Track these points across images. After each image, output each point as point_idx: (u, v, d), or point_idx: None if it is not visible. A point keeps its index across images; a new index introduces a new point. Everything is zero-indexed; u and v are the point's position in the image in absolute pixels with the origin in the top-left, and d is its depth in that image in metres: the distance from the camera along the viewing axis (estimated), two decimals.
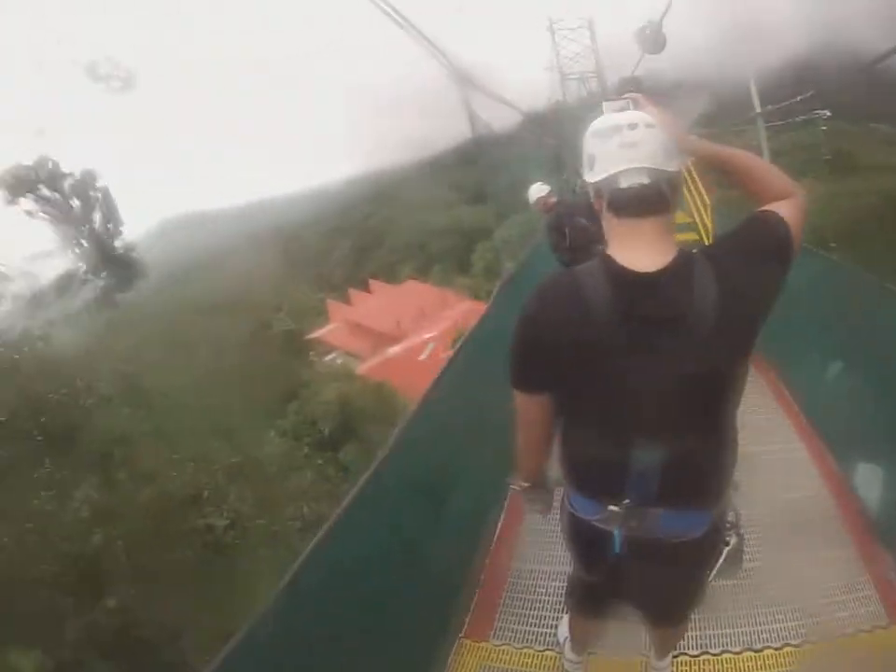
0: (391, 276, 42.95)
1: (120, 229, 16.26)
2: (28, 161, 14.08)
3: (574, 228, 7.89)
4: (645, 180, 1.97)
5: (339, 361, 33.05)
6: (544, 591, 4.63)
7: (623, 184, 1.99)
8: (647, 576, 2.43)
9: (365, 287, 42.82)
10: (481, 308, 29.08)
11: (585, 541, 2.52)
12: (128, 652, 11.27)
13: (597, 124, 2.08)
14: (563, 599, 3.98)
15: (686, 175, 12.56)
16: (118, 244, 16.06)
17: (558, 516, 2.67)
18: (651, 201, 2.00)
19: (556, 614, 4.30)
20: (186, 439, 20.49)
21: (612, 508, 2.22)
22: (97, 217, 14.83)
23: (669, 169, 2.00)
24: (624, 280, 2.00)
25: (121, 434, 17.64)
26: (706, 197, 11.26)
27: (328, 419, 21.53)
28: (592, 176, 2.07)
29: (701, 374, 2.01)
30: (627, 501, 2.18)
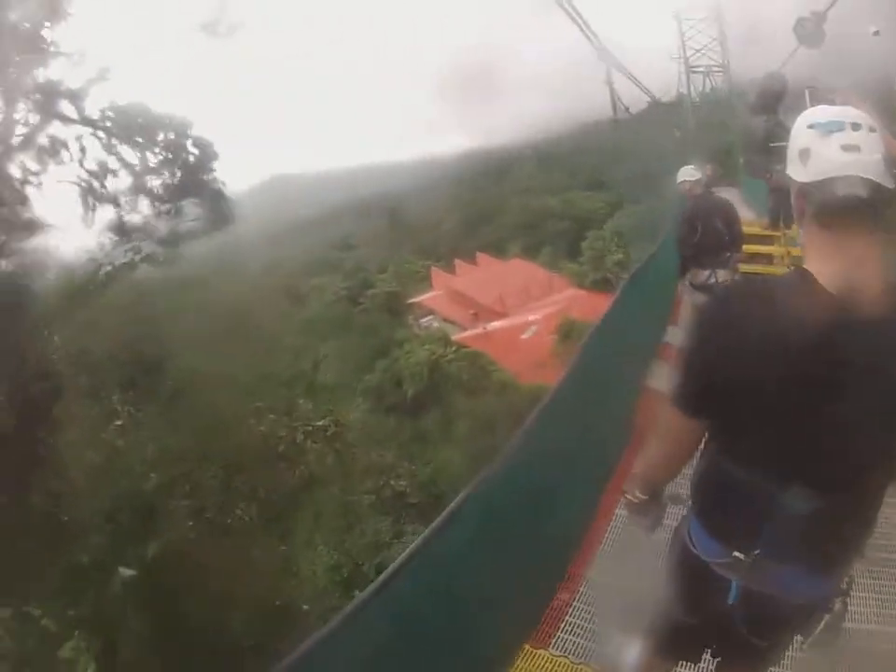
0: (498, 253, 42.78)
1: (215, 175, 16.16)
2: (127, 103, 14.15)
3: (707, 228, 7.75)
4: (863, 192, 1.74)
5: (435, 325, 33.05)
6: (613, 607, 4.44)
7: (840, 192, 1.75)
8: (748, 630, 2.22)
9: (471, 260, 42.64)
10: (585, 297, 28.71)
11: (694, 582, 2.31)
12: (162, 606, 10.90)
13: (816, 115, 1.87)
14: (629, 619, 3.61)
15: None
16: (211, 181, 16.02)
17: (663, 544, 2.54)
18: (866, 216, 1.79)
19: (619, 633, 3.89)
20: (273, 388, 20.76)
21: (738, 555, 2.06)
22: (191, 157, 14.89)
23: (888, 185, 1.78)
24: (828, 306, 1.76)
25: (206, 374, 17.69)
26: None
27: (414, 380, 21.54)
28: (803, 175, 1.84)
29: (888, 427, 1.81)
30: (758, 552, 2.02)
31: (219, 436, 14.96)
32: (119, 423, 13.96)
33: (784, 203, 11.95)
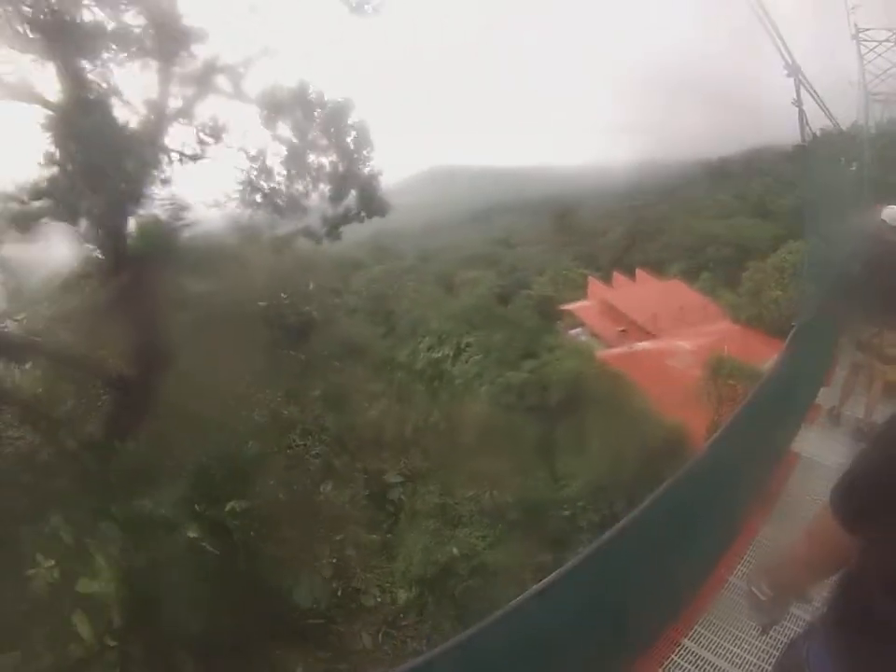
0: (658, 271, 42.41)
1: (371, 164, 16.57)
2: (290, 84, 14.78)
3: (888, 282, 7.05)
4: None
5: (583, 338, 33.41)
6: None
7: None
8: None
9: (630, 274, 42.48)
10: (739, 333, 28.15)
11: None
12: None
13: None
14: None
15: None
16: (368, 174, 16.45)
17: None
18: None
19: None
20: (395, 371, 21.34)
21: None
22: (349, 146, 15.35)
23: None
24: None
25: (355, 345, 18.49)
26: None
27: (560, 387, 21.82)
28: None
29: None
30: None
31: (335, 411, 15.47)
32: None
33: None
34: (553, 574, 3.33)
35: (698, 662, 4.51)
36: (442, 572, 12.54)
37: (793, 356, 7.23)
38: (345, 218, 16.72)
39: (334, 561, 11.36)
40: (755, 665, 4.47)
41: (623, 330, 33.46)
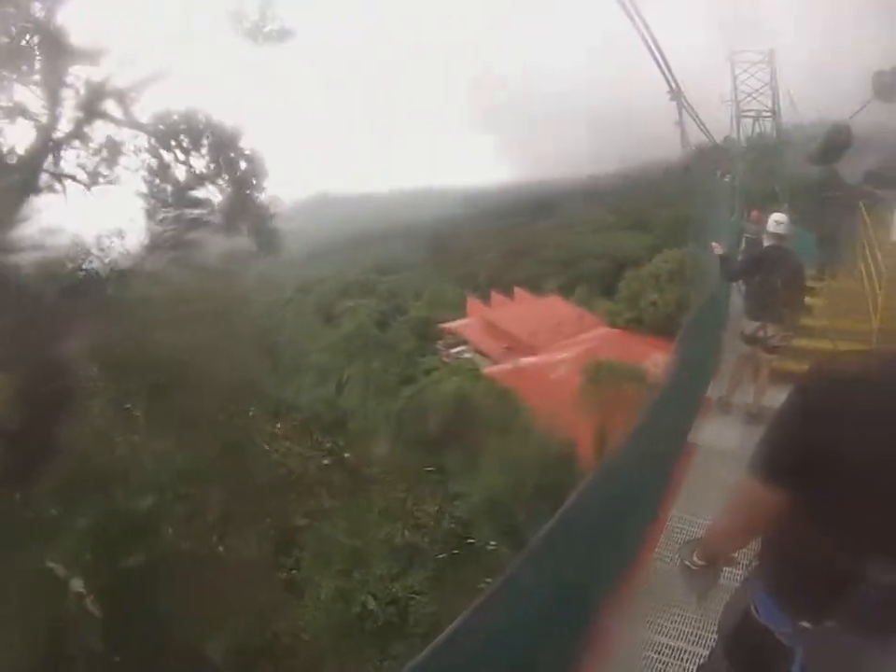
0: (535, 288, 42.79)
1: (264, 194, 16.19)
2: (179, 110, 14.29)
3: (765, 281, 8.09)
4: None
5: (466, 356, 32.98)
6: (646, 662, 4.67)
7: None
8: None
9: (508, 293, 42.60)
10: (616, 336, 28.54)
11: (754, 647, 2.35)
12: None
13: None
14: None
15: (862, 234, 11.78)
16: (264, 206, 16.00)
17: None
18: None
19: None
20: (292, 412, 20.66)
21: (805, 625, 2.14)
22: (239, 174, 14.86)
23: None
24: None
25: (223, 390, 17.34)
26: (882, 265, 10.39)
27: (439, 411, 21.25)
28: None
29: None
30: (831, 623, 2.07)
31: (229, 458, 14.57)
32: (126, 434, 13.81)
33: (832, 255, 11.97)
34: (488, 593, 3.22)
35: (640, 642, 4.79)
36: (358, 619, 12.43)
37: (685, 352, 7.50)
38: (236, 255, 16.14)
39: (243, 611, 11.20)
40: (686, 632, 4.86)
41: (507, 347, 32.93)
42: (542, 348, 31.63)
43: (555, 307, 38.28)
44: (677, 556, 2.73)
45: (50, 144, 13.52)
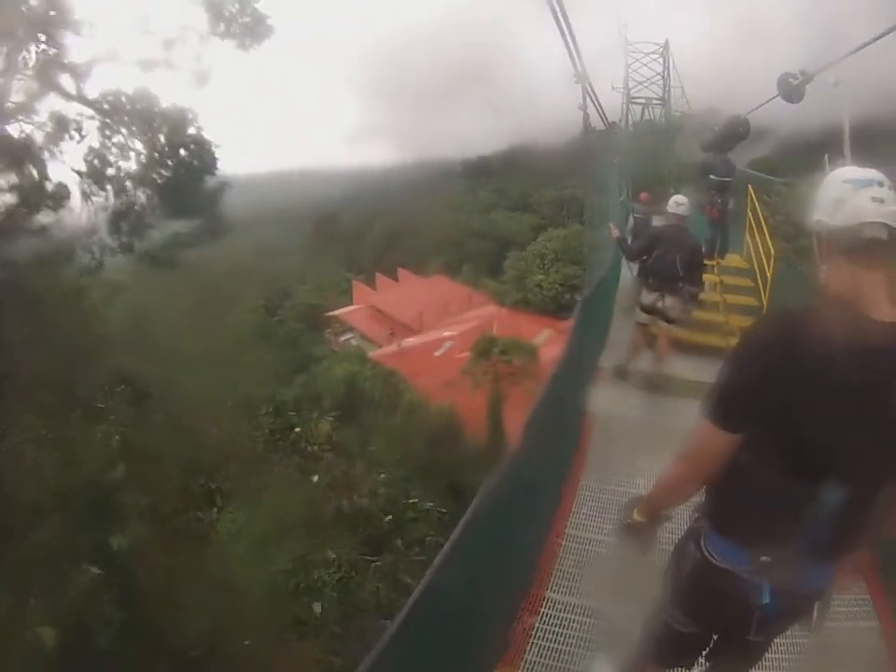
0: (420, 268, 42.87)
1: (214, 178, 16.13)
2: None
3: (662, 256, 8.29)
4: (884, 235, 2.06)
5: (354, 343, 32.88)
6: (576, 626, 4.60)
7: (866, 234, 2.07)
8: (762, 629, 2.42)
9: (393, 274, 42.42)
10: (506, 315, 28.71)
11: (714, 592, 2.45)
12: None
13: (852, 173, 2.21)
14: (597, 637, 4.21)
15: (751, 216, 12.20)
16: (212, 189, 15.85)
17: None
18: (887, 254, 2.10)
19: (585, 651, 4.26)
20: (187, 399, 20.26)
21: (765, 559, 2.25)
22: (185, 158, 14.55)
23: None
24: (864, 326, 2.03)
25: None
26: (770, 245, 10.81)
27: (332, 397, 21.30)
28: (834, 220, 2.16)
29: None
30: (791, 551, 2.20)
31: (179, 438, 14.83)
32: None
33: (722, 234, 12.39)
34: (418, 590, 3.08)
35: (567, 607, 4.77)
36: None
37: (582, 328, 7.60)
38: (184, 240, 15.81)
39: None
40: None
41: (391, 332, 32.93)
42: (429, 328, 31.78)
43: (441, 287, 38.56)
44: (619, 514, 2.81)
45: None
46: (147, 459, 13.40)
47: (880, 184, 2.12)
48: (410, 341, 29.70)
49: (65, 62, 13.76)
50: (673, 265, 8.25)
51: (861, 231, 2.07)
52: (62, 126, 14.05)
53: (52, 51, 13.59)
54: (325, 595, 12.45)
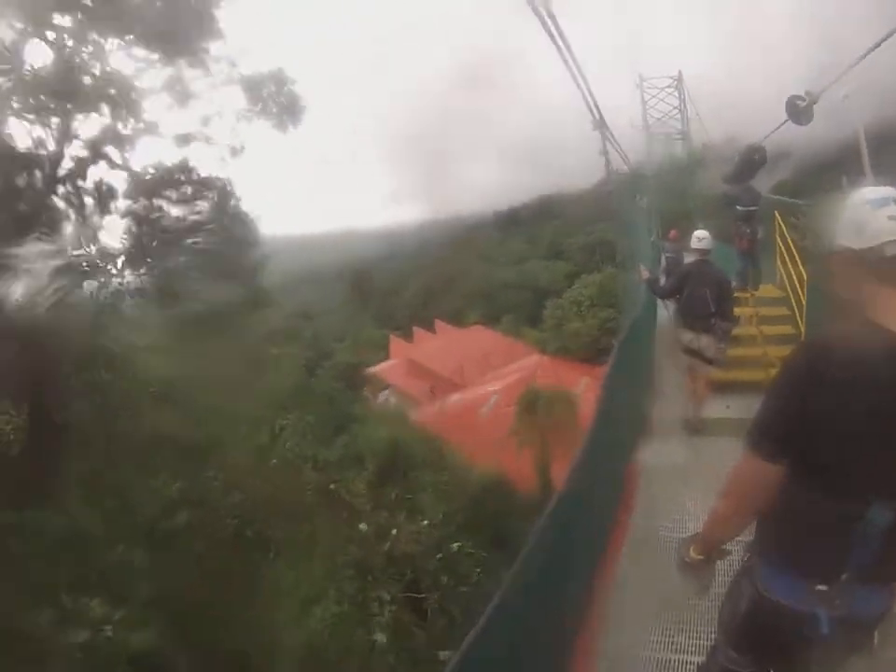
0: (458, 321, 42.77)
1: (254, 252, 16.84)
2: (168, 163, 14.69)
3: (693, 294, 8.28)
4: None
5: (392, 400, 32.64)
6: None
7: (888, 253, 2.08)
8: (822, 662, 2.39)
9: (430, 328, 42.28)
10: (549, 364, 28.38)
11: (772, 629, 2.43)
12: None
13: (869, 194, 2.17)
14: None
15: (780, 243, 11.97)
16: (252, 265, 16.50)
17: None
18: None
19: None
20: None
21: (822, 587, 2.21)
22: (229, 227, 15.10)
23: None
24: None
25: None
26: (802, 270, 10.57)
27: (375, 458, 21.12)
28: (859, 242, 2.14)
29: None
30: (845, 576, 2.17)
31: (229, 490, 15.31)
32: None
33: (753, 265, 12.17)
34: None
35: (618, 652, 4.69)
36: None
37: (618, 370, 7.30)
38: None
39: None
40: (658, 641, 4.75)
41: (431, 388, 32.59)
42: (470, 381, 31.40)
43: (480, 337, 38.15)
44: (674, 555, 2.78)
45: (51, 180, 13.80)
46: (204, 509, 14.15)
47: None
48: (453, 398, 29.27)
49: (114, 134, 14.38)
50: (704, 301, 8.21)
51: (883, 250, 2.07)
52: (108, 193, 14.55)
53: (105, 123, 14.27)
54: (381, 628, 12.66)
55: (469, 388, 30.57)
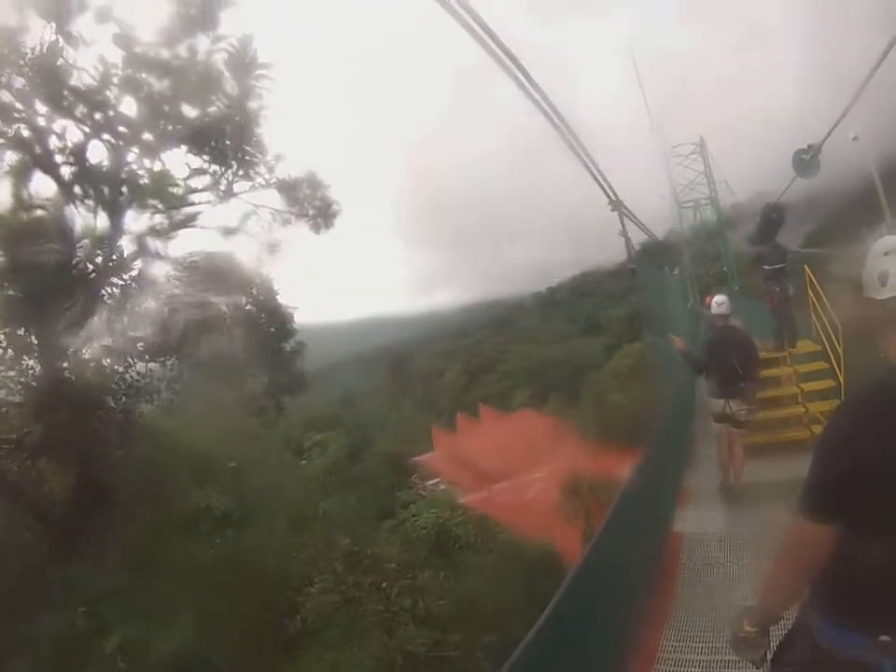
0: (503, 402, 42.56)
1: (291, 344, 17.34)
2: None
3: (721, 361, 8.33)
4: None
5: (441, 487, 32.53)
6: None
7: None
8: None
9: (474, 412, 42.08)
10: (588, 447, 28.22)
11: None
12: None
13: (887, 244, 2.25)
14: None
15: (812, 295, 11.83)
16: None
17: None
18: None
19: None
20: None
21: (885, 638, 2.16)
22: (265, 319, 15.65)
23: None
24: None
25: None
26: (835, 319, 10.44)
27: (422, 542, 21.02)
28: (885, 293, 2.21)
29: None
30: None
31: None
32: None
33: (788, 323, 12.06)
34: None
35: None
36: None
37: (657, 446, 7.69)
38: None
39: None
40: None
41: (478, 476, 32.40)
42: (516, 470, 31.18)
43: (526, 422, 37.35)
44: (729, 628, 2.76)
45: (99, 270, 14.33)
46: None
47: None
48: (500, 486, 29.04)
49: (158, 228, 14.95)
50: (731, 366, 8.24)
51: None
52: (149, 283, 15.06)
53: (153, 219, 14.86)
54: None
55: (516, 476, 30.34)
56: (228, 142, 15.37)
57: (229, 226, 16.00)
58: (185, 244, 15.94)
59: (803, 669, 2.46)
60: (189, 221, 15.58)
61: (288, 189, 16.78)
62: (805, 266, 12.45)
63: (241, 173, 15.79)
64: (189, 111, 15.10)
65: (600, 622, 4.90)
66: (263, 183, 16.29)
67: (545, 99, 6.09)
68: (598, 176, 8.80)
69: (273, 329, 17.06)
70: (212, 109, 15.24)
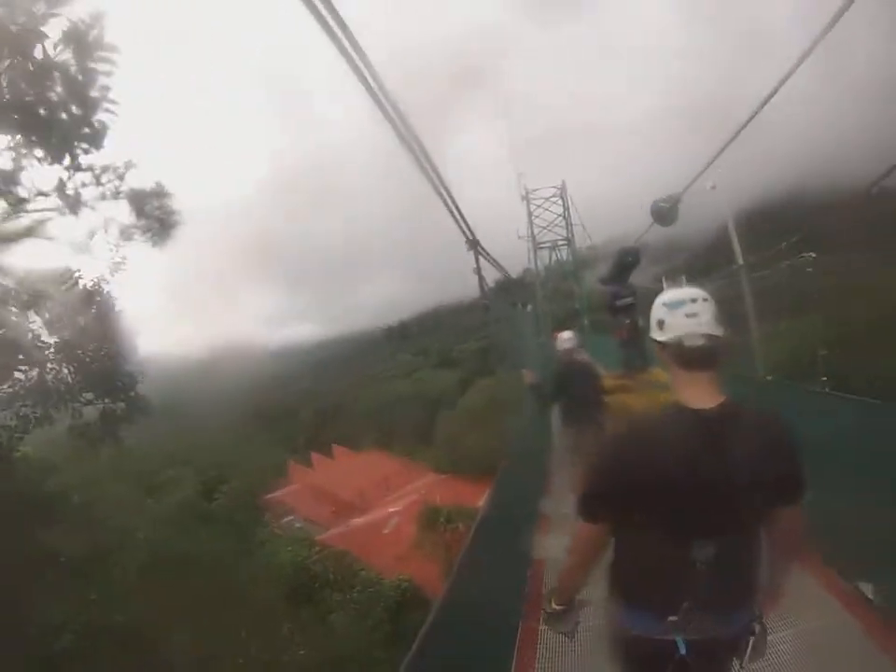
0: (354, 443, 43.02)
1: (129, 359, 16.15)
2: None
3: (579, 391, 8.47)
4: (701, 342, 2.57)
5: (297, 525, 32.41)
6: None
7: (687, 344, 2.58)
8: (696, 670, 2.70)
9: (328, 452, 42.46)
10: (445, 482, 28.56)
11: (645, 661, 2.77)
12: None
13: (668, 297, 2.69)
14: None
15: None
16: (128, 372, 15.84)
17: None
18: (706, 358, 2.59)
19: None
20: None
21: (673, 618, 2.59)
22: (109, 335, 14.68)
23: (718, 334, 2.60)
24: (692, 416, 2.54)
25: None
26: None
27: (280, 582, 20.96)
28: (661, 336, 2.67)
29: (746, 489, 2.49)
30: (686, 605, 2.56)
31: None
32: None
33: (638, 352, 12.91)
34: None
35: None
36: None
37: (504, 482, 8.31)
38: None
39: None
40: None
41: (334, 511, 32.56)
42: (371, 505, 31.62)
43: (377, 461, 38.47)
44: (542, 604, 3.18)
45: None
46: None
47: (693, 300, 2.63)
48: (355, 521, 29.34)
49: None
50: (583, 397, 8.52)
51: (681, 342, 2.59)
52: None
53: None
54: None
55: (371, 511, 30.80)
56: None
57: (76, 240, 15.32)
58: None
59: (612, 648, 2.89)
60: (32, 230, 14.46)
61: (138, 199, 16.07)
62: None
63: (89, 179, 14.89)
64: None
65: (470, 650, 5.29)
66: (113, 191, 15.38)
67: (413, 138, 6.26)
68: (458, 217, 9.12)
69: (104, 353, 16.33)
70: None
